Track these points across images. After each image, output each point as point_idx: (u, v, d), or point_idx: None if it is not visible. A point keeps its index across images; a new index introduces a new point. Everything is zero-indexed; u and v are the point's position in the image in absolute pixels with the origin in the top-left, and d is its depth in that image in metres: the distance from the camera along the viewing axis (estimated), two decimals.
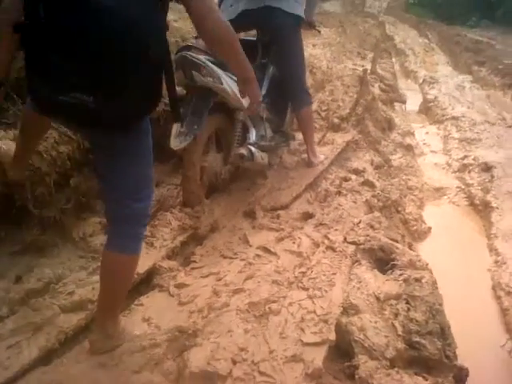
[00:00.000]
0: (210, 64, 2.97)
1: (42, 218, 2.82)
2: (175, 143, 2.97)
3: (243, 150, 3.34)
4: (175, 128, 2.98)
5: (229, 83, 3.02)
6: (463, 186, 4.79)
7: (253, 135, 3.51)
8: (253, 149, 3.38)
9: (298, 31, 3.75)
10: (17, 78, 2.72)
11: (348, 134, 4.78)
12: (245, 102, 2.78)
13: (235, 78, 2.36)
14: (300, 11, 3.64)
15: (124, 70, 1.56)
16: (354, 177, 3.95)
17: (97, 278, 2.54)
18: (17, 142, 2.44)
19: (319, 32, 4.87)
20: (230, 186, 3.68)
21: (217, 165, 3.44)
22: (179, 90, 3.02)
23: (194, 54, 2.98)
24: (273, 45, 3.72)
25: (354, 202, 3.56)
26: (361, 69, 7.18)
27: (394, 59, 11.03)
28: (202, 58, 2.97)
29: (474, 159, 5.21)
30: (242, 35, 4.07)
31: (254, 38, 3.88)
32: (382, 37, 12.95)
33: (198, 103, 3.05)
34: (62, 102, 1.58)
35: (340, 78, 6.79)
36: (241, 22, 3.39)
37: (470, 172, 5.01)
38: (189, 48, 3.06)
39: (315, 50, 8.13)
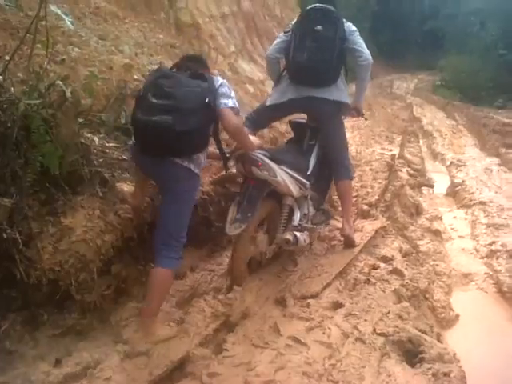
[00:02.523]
0: (266, 160, 3.39)
1: (83, 303, 2.97)
2: (231, 229, 3.29)
3: (289, 236, 3.60)
4: (230, 215, 3.34)
5: (282, 175, 3.47)
6: (491, 273, 4.77)
7: (297, 217, 3.78)
8: (297, 234, 3.64)
9: (339, 116, 4.17)
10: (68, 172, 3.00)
11: (377, 221, 4.85)
12: (293, 189, 3.59)
13: (286, 170, 3.52)
14: (342, 97, 4.00)
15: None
16: (382, 265, 4.01)
17: (131, 363, 2.70)
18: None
19: (366, 119, 5.17)
20: (262, 272, 3.80)
21: (263, 246, 3.72)
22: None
23: (254, 152, 3.38)
24: (319, 129, 4.12)
25: (383, 291, 3.61)
26: (389, 153, 7.40)
27: (421, 141, 11.20)
28: (260, 155, 3.39)
29: (501, 245, 5.21)
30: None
31: (305, 121, 4.27)
32: (409, 119, 13.21)
33: (253, 193, 3.42)
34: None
35: (369, 162, 6.97)
36: (288, 108, 4.09)
37: (497, 258, 5.00)
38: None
39: None
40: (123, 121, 3.74)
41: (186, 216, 3.00)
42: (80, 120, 3.23)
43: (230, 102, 2.93)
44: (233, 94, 3.02)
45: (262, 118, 4.23)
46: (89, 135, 3.36)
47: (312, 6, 4.03)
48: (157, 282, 2.92)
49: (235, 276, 3.50)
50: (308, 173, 3.92)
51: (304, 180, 3.75)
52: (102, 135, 3.54)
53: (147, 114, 2.77)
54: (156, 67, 3.88)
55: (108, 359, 2.76)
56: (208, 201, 4.03)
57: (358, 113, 4.35)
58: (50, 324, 2.89)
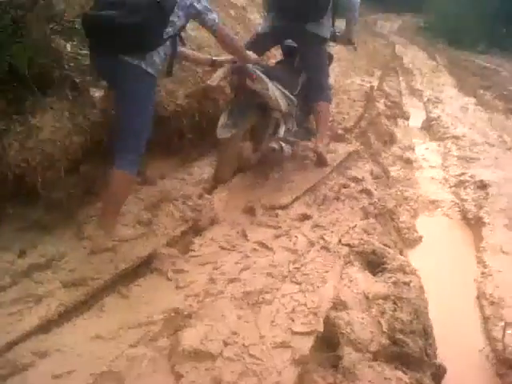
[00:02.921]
0: (260, 74, 3.58)
1: (50, 199, 2.96)
2: (221, 133, 3.52)
3: (275, 145, 3.84)
4: (222, 120, 3.56)
5: (273, 89, 3.68)
6: (458, 201, 4.88)
7: (282, 130, 3.94)
8: (283, 144, 3.87)
9: (321, 47, 4.26)
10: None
11: (351, 145, 4.88)
12: (282, 104, 3.79)
13: (278, 86, 3.74)
14: (323, 32, 4.08)
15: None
16: (352, 184, 4.04)
17: (97, 257, 2.71)
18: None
19: (355, 48, 5.40)
20: (232, 183, 3.80)
21: (248, 152, 3.93)
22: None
23: (248, 65, 3.58)
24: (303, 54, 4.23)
25: (351, 208, 3.66)
26: (368, 85, 7.34)
27: (401, 78, 11.15)
28: (254, 68, 3.59)
29: (470, 176, 5.31)
30: None
31: (295, 45, 4.31)
32: (391, 56, 13.07)
33: (245, 103, 3.66)
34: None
35: (347, 92, 6.91)
36: (276, 35, 4.20)
37: (465, 188, 5.10)
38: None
39: None
40: None
41: (142, 116, 2.90)
42: (52, 26, 3.18)
43: (216, 17, 3.07)
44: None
45: (256, 45, 4.16)
46: (61, 41, 3.31)
47: None
48: (114, 183, 2.86)
49: (219, 177, 3.74)
50: (295, 92, 4.06)
51: (292, 97, 3.95)
52: (74, 42, 3.43)
53: (95, 10, 2.77)
54: None
55: (73, 253, 2.77)
56: (181, 113, 3.96)
57: (350, 42, 4.60)
58: (15, 218, 2.89)
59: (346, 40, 4.56)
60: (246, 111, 3.65)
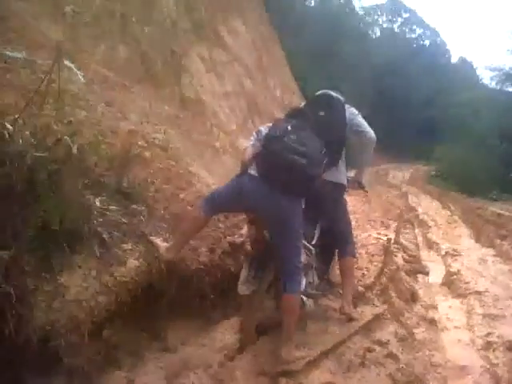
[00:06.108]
0: None
1: (71, 367, 2.87)
2: (242, 289, 3.54)
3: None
4: (242, 276, 3.58)
5: None
6: (488, 366, 4.64)
7: (303, 284, 3.78)
8: (305, 299, 3.78)
9: (340, 195, 4.35)
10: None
11: (378, 307, 4.74)
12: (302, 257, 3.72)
13: None
14: (341, 179, 4.20)
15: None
16: (378, 348, 3.92)
17: None
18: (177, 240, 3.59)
19: (366, 192, 5.41)
20: (255, 347, 3.70)
21: (270, 310, 3.93)
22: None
23: None
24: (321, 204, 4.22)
25: (378, 375, 3.53)
26: (385, 238, 7.42)
27: (416, 230, 11.28)
28: None
29: (498, 337, 5.09)
30: None
31: None
32: (404, 207, 13.37)
33: (264, 256, 3.65)
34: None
35: (364, 246, 7.01)
36: None
37: (494, 350, 4.87)
38: None
39: None
40: (125, 184, 3.78)
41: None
42: (84, 180, 3.28)
43: None
44: None
45: None
46: (91, 196, 3.40)
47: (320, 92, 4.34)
48: (287, 307, 3.49)
49: (246, 338, 3.69)
50: (313, 242, 4.03)
51: (310, 246, 3.92)
52: (103, 197, 3.56)
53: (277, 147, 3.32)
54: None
55: None
56: (204, 271, 3.99)
57: (360, 186, 4.55)
58: None
59: (357, 184, 4.53)
60: (265, 265, 3.64)
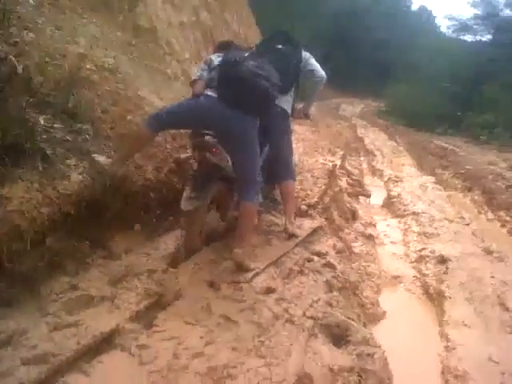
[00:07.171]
0: (221, 148, 3.74)
1: (14, 272, 2.89)
2: (186, 205, 3.60)
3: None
4: (186, 193, 3.66)
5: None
6: (419, 276, 4.98)
7: (260, 197, 4.00)
8: None
9: (287, 122, 4.57)
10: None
11: (315, 220, 4.98)
12: None
13: None
14: (287, 107, 4.38)
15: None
16: (316, 258, 4.11)
17: (60, 333, 2.65)
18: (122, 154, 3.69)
19: (311, 120, 5.99)
20: (198, 256, 3.83)
21: (214, 222, 4.16)
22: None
23: (209, 139, 3.80)
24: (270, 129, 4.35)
25: (315, 281, 3.71)
26: (330, 163, 7.62)
27: (362, 158, 11.57)
28: (215, 143, 3.77)
29: (431, 252, 5.44)
30: None
31: None
32: (352, 137, 13.60)
33: (207, 175, 3.78)
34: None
35: (310, 170, 7.19)
36: None
37: (426, 263, 5.22)
38: (203, 135, 3.86)
39: None
40: (71, 105, 3.73)
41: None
42: (28, 98, 3.24)
43: None
44: None
45: None
46: (35, 115, 3.37)
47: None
48: (244, 213, 3.66)
49: (187, 246, 3.82)
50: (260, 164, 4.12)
51: None
52: (48, 116, 3.52)
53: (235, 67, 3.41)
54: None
55: (36, 329, 2.69)
56: (149, 187, 4.04)
57: (306, 116, 4.91)
58: None
59: (303, 114, 4.84)
60: (208, 184, 3.77)
